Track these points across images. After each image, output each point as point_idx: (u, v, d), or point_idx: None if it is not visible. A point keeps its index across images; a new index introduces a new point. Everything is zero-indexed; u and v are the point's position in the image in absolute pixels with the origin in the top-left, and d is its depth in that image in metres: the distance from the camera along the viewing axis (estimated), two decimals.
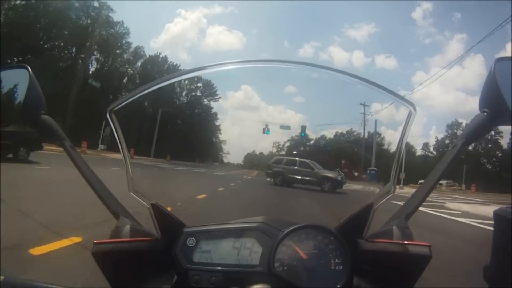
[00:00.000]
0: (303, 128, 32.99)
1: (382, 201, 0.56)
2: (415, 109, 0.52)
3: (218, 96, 50.10)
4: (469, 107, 55.50)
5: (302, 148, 57.65)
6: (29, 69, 0.58)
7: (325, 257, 0.52)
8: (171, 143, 39.36)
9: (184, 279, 0.54)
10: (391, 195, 0.56)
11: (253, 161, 65.45)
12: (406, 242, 0.50)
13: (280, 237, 0.53)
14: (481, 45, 50.31)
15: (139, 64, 45.75)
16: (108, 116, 0.55)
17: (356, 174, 34.71)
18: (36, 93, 0.58)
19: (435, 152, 49.68)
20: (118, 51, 43.46)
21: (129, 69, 45.23)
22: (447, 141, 47.20)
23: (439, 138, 50.41)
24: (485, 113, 0.54)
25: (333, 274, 0.51)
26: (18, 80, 0.58)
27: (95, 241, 0.53)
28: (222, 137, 54.69)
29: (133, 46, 44.58)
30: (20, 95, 0.56)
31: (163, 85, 0.56)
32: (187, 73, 0.56)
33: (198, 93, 49.50)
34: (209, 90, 49.69)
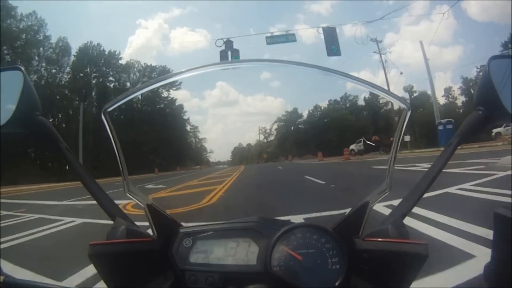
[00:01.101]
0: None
1: (378, 200, 0.55)
2: (409, 107, 0.52)
3: (179, 83, 39.38)
4: (445, 59, 54.53)
5: (292, 128, 50.04)
6: (23, 70, 0.58)
7: (321, 256, 0.52)
8: (126, 152, 33.60)
9: (181, 279, 0.54)
10: (387, 193, 0.55)
11: (242, 154, 62.62)
12: (402, 240, 0.50)
13: (277, 237, 0.53)
14: None
15: (68, 63, 35.91)
16: (102, 116, 0.54)
17: (408, 138, 23.69)
18: (30, 95, 0.58)
19: (466, 98, 39.84)
20: (41, 51, 33.75)
21: (57, 73, 35.35)
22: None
23: (464, 76, 40.89)
24: (480, 111, 0.54)
25: (329, 273, 0.51)
26: (12, 81, 0.58)
27: (90, 243, 0.52)
28: (201, 135, 49.60)
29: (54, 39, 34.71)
30: (15, 97, 0.56)
31: (154, 87, 0.55)
32: (169, 77, 0.55)
33: None
34: None
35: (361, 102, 46.15)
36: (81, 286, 2.26)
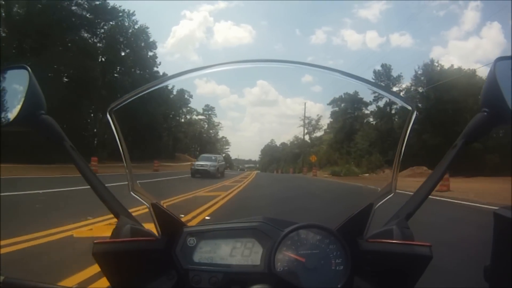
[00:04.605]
0: None
1: (382, 201, 0.55)
2: (415, 109, 0.52)
3: None
4: None
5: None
6: (29, 69, 0.58)
7: (325, 257, 0.52)
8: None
9: (184, 279, 0.54)
10: (391, 195, 0.55)
11: (272, 154, 53.83)
12: (406, 242, 0.51)
13: (281, 237, 0.53)
14: (498, 12, 44.27)
15: None
16: (108, 116, 0.54)
17: None
18: (35, 93, 0.58)
19: None
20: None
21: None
22: None
23: None
24: (485, 113, 0.54)
25: (333, 274, 0.51)
26: (17, 80, 0.58)
27: (95, 241, 0.53)
28: (217, 119, 41.71)
29: None
30: (20, 95, 0.56)
31: (161, 86, 0.55)
32: (198, 70, 0.54)
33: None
34: None
35: None
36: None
